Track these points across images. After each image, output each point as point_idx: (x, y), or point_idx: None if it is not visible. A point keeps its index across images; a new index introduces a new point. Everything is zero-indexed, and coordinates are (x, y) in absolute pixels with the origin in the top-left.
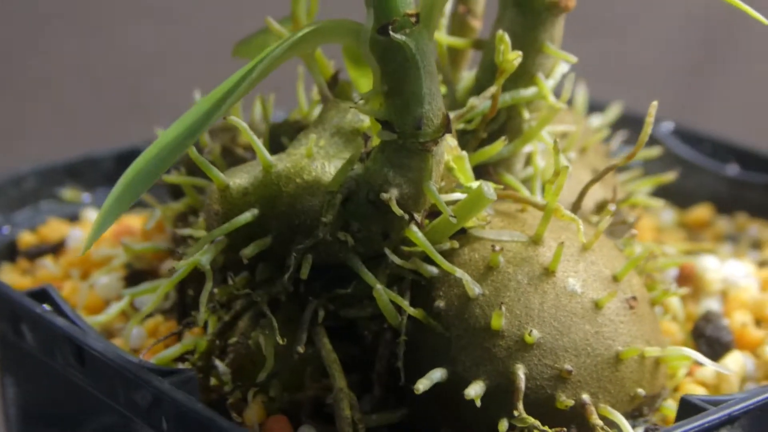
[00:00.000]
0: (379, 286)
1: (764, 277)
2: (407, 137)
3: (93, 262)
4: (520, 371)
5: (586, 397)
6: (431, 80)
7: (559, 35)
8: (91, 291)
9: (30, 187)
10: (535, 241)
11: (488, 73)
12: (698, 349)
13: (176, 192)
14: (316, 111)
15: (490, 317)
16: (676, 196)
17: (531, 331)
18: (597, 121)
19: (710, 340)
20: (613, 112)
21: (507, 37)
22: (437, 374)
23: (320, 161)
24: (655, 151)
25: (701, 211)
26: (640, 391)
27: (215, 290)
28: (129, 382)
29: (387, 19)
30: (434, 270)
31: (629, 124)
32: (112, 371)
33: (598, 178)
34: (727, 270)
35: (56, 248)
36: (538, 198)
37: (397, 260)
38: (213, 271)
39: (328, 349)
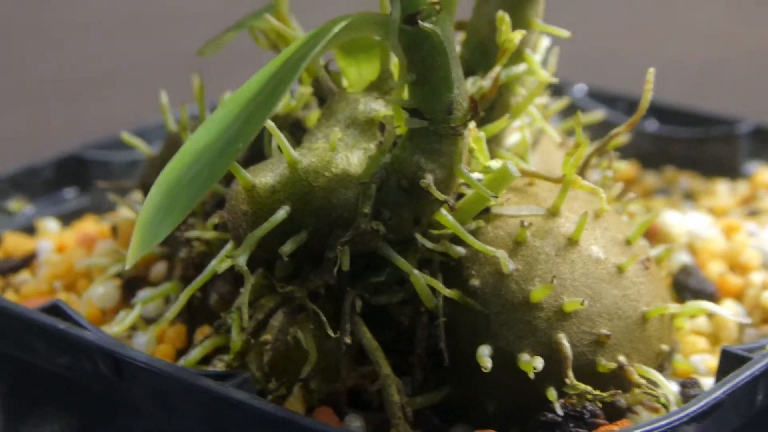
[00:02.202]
0: (416, 272)
1: (724, 226)
2: (438, 123)
3: (76, 274)
4: (564, 340)
5: (622, 358)
6: (457, 65)
7: (542, 10)
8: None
9: None
10: (553, 213)
11: (476, 52)
12: (684, 301)
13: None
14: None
15: (527, 291)
16: None
17: (583, 301)
18: None
19: (695, 292)
20: None
21: (507, 17)
22: (486, 350)
23: (343, 153)
24: (598, 115)
25: (628, 168)
26: (664, 347)
27: (241, 290)
28: (183, 390)
29: (414, 8)
30: (462, 250)
31: None
32: (161, 381)
33: (602, 147)
34: (689, 223)
35: (27, 262)
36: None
37: (428, 244)
38: (226, 271)
39: (368, 338)
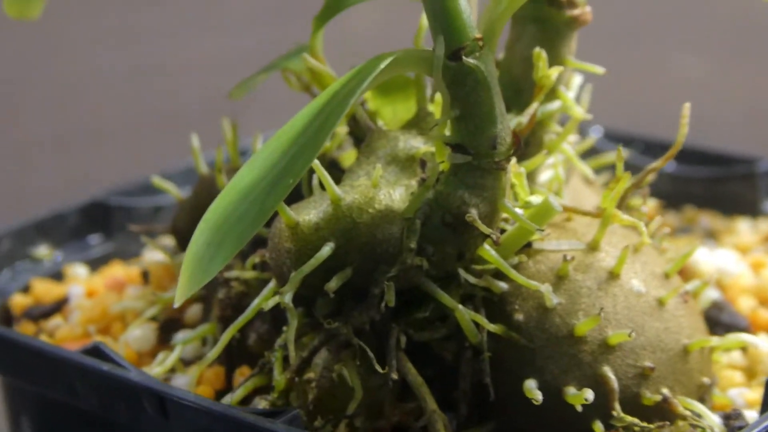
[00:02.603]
0: (461, 307)
1: (751, 262)
2: (482, 157)
3: (110, 317)
4: (610, 373)
5: (666, 391)
6: (500, 100)
7: (574, 48)
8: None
9: (6, 248)
10: (593, 247)
11: (509, 91)
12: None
13: (184, 240)
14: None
15: (571, 325)
16: None
17: (631, 332)
18: None
19: (728, 326)
20: None
21: (544, 54)
22: (532, 384)
23: (385, 190)
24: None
25: (649, 208)
26: (706, 380)
27: (284, 328)
28: (233, 428)
29: (458, 44)
30: (504, 286)
31: None
32: (210, 420)
33: (638, 181)
34: (717, 259)
35: (59, 307)
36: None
37: (471, 279)
38: (265, 311)
39: (413, 374)
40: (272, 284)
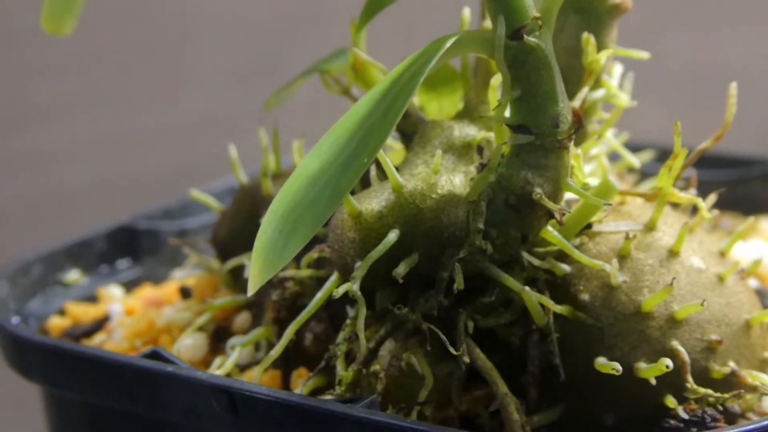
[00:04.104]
0: (527, 289)
1: None
2: (545, 137)
3: (157, 330)
4: (679, 346)
5: (733, 364)
6: (560, 79)
7: (615, 36)
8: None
9: (37, 274)
10: (650, 227)
11: None
12: None
13: (225, 249)
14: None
15: (638, 301)
16: None
17: (703, 301)
18: None
19: None
20: None
21: (593, 39)
22: (603, 361)
23: (446, 176)
24: (648, 155)
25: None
26: (767, 354)
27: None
28: (311, 419)
29: (519, 23)
30: (567, 268)
31: None
32: (285, 412)
33: (690, 161)
34: (751, 251)
35: (100, 325)
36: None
37: (536, 262)
38: (321, 311)
39: (482, 358)
40: (334, 278)
